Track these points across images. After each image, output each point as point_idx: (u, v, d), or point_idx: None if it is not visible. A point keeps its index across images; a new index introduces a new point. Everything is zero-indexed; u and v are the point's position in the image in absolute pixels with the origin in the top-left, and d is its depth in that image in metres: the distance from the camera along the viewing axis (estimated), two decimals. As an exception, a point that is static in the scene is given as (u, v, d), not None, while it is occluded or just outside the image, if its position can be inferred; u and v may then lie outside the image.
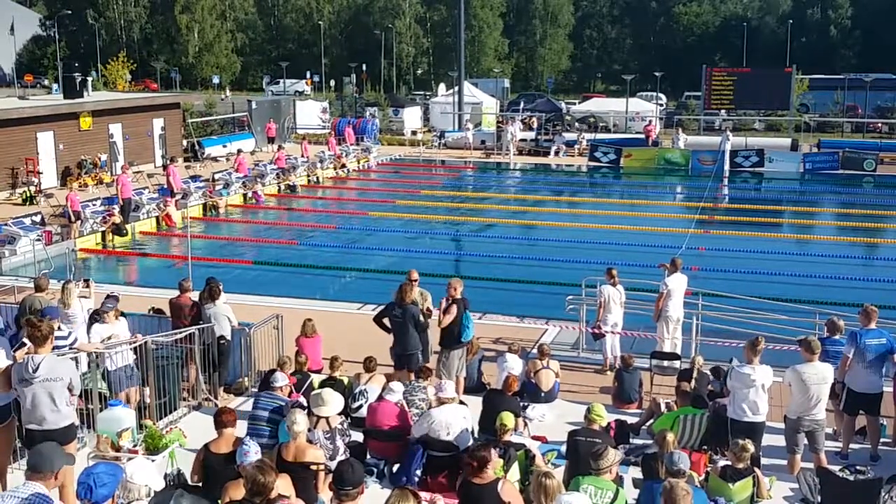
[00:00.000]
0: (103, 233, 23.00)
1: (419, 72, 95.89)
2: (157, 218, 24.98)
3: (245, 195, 29.12)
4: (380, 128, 47.05)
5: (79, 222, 22.69)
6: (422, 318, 11.43)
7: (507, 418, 8.36)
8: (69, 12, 76.57)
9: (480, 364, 12.10)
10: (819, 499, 8.12)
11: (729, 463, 7.94)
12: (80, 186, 27.84)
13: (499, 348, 13.45)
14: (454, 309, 11.35)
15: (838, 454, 10.00)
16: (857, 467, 8.77)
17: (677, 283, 13.28)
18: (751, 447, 7.88)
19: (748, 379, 9.14)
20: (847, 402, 10.10)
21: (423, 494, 8.02)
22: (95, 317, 10.98)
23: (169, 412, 10.65)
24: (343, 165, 36.00)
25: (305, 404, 8.85)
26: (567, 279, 16.85)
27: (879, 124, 49.92)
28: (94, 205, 24.35)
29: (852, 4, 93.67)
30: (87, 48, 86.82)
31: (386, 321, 11.45)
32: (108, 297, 11.36)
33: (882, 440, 10.25)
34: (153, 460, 7.97)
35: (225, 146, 38.54)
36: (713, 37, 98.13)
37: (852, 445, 10.21)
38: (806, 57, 77.39)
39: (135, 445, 8.70)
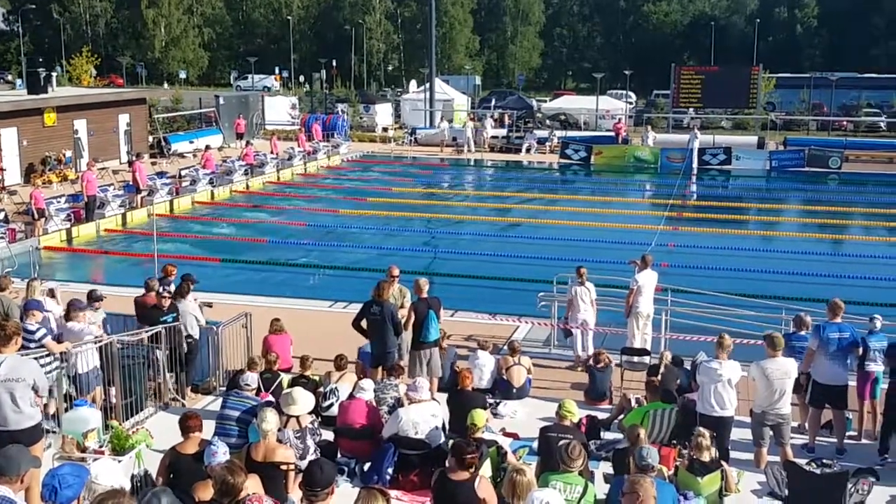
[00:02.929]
0: (68, 230, 22.72)
1: (390, 68, 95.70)
2: (123, 215, 24.72)
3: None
4: (350, 124, 46.87)
5: (43, 220, 22.38)
6: (399, 315, 11.36)
7: (478, 417, 8.35)
8: (33, 7, 75.48)
9: (454, 362, 12.06)
10: (786, 492, 8.19)
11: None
12: (44, 183, 27.47)
13: (471, 346, 13.43)
14: (415, 309, 11.31)
15: (805, 448, 10.10)
16: (824, 461, 8.88)
17: (647, 280, 13.35)
18: (708, 437, 7.93)
19: (715, 374, 9.23)
20: (813, 395, 10.22)
21: (393, 493, 8.02)
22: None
23: (135, 412, 10.51)
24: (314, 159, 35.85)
25: (275, 403, 8.77)
26: (538, 276, 16.90)
27: (844, 122, 50.57)
28: (58, 202, 24.02)
29: (818, 4, 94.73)
30: (52, 43, 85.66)
31: (363, 323, 11.36)
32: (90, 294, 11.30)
33: (848, 434, 10.37)
34: (119, 461, 7.87)
35: (192, 142, 38.17)
36: (682, 35, 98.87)
37: (819, 439, 10.31)
38: (773, 56, 78.16)
39: (101, 446, 8.57)
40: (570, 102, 57.00)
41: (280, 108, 49.07)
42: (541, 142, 42.02)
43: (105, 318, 11.48)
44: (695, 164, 36.47)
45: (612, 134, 42.66)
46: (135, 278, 15.95)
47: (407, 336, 11.57)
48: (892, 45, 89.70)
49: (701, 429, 8.12)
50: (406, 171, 37.15)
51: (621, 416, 10.26)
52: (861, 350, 10.23)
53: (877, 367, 10.37)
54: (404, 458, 8.49)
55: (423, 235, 25.54)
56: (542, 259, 20.11)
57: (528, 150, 41.29)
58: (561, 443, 7.24)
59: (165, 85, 78.71)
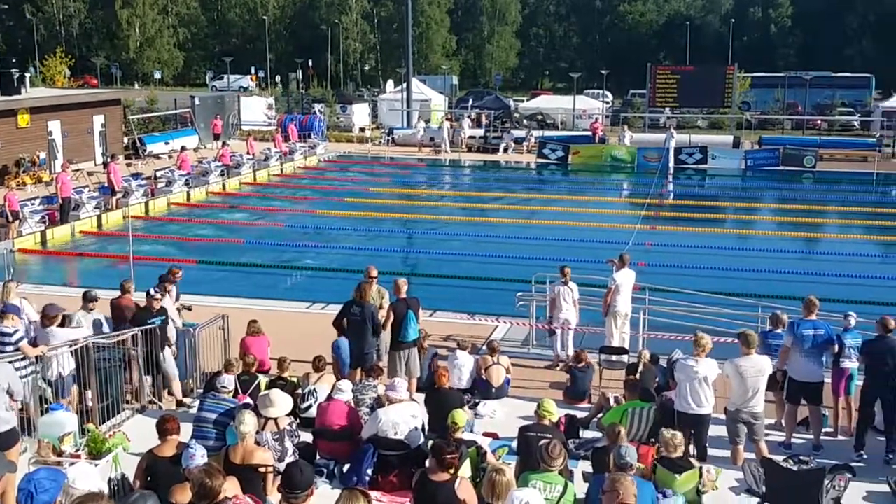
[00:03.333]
0: (43, 232, 22.49)
1: (367, 68, 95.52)
2: (99, 217, 24.51)
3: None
4: (327, 124, 46.74)
5: (17, 222, 22.14)
6: (379, 316, 11.34)
7: (459, 416, 8.35)
8: (6, 7, 74.78)
9: (432, 362, 12.04)
10: (763, 489, 8.24)
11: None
12: (18, 185, 27.22)
13: (450, 346, 13.42)
14: (394, 310, 11.30)
15: (782, 444, 10.18)
16: (801, 457, 8.94)
17: (625, 279, 13.40)
18: (679, 436, 7.97)
19: (692, 371, 9.30)
20: (789, 391, 10.32)
21: (373, 494, 8.00)
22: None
23: (112, 415, 10.41)
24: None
25: (253, 405, 8.72)
26: (517, 276, 16.91)
27: (819, 121, 51.02)
28: (32, 204, 23.78)
29: (792, 4, 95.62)
30: (25, 44, 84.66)
31: (344, 322, 11.32)
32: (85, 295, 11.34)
33: (824, 431, 10.46)
34: (96, 465, 7.81)
35: (167, 143, 37.93)
36: (657, 35, 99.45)
37: (795, 436, 10.40)
38: (748, 55, 78.81)
39: (77, 450, 8.50)
40: (547, 102, 57.14)
41: (256, 109, 48.85)
42: (518, 141, 42.12)
43: (98, 319, 11.35)
44: (671, 164, 36.70)
45: (589, 133, 42.83)
46: (110, 280, 15.79)
47: (386, 336, 11.56)
48: (865, 44, 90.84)
49: (669, 430, 8.15)
50: (384, 171, 37.10)
51: (600, 415, 10.29)
52: (836, 347, 10.34)
53: (851, 363, 10.48)
54: (384, 459, 8.46)
55: (401, 236, 25.52)
56: (521, 259, 20.13)
57: (505, 150, 41.37)
58: (541, 442, 7.25)
59: (136, 85, 78.11)
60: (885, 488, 8.86)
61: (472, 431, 9.83)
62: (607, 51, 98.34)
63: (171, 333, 11.46)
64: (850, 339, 10.44)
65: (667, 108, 45.99)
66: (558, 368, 13.17)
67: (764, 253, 22.08)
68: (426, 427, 9.25)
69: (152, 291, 11.34)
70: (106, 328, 11.29)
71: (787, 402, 10.41)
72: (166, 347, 11.24)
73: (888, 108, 46.75)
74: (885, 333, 9.94)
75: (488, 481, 6.27)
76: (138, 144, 36.87)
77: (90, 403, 10.33)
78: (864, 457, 9.82)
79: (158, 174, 29.48)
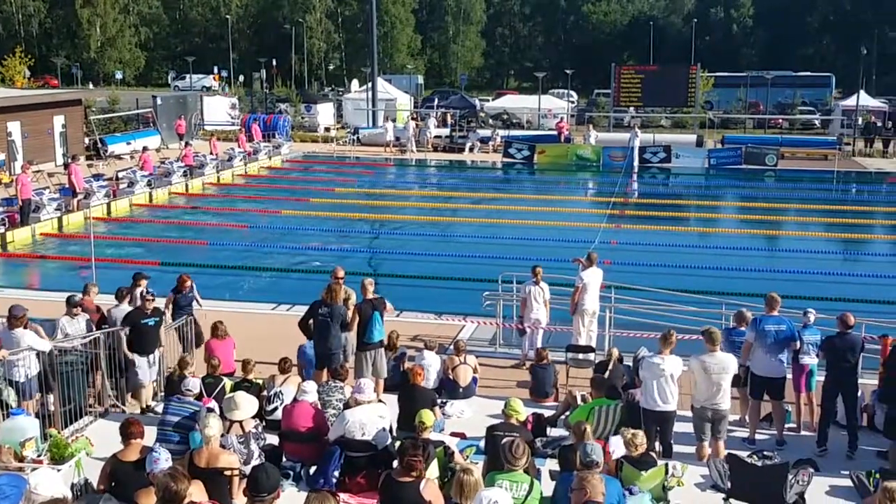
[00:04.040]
0: (3, 234, 22.13)
1: (331, 67, 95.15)
2: (60, 218, 24.16)
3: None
4: (292, 124, 46.49)
5: (-24, 224, 21.78)
6: (348, 317, 11.29)
7: (427, 416, 8.34)
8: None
9: (402, 361, 12.02)
10: (729, 484, 8.32)
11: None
12: (-24, 187, 26.74)
13: (417, 346, 13.41)
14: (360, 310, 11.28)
15: (746, 440, 10.29)
16: (765, 453, 9.05)
17: (592, 277, 13.47)
18: (640, 435, 8.04)
19: (657, 369, 9.38)
20: (752, 387, 10.45)
21: (341, 496, 7.96)
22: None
23: (75, 420, 10.27)
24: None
25: (218, 409, 8.65)
26: (483, 275, 16.92)
27: (780, 120, 51.71)
28: (-9, 205, 23.40)
29: (753, 4, 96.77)
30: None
31: (310, 323, 11.26)
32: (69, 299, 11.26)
33: (787, 426, 10.59)
34: (59, 470, 7.69)
35: (129, 144, 37.48)
36: (621, 35, 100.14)
37: (759, 432, 10.51)
38: (710, 55, 79.63)
39: (39, 455, 8.39)
40: (512, 102, 57.31)
41: (219, 109, 48.43)
42: (484, 141, 42.20)
43: (85, 324, 11.23)
44: (636, 163, 36.96)
45: (555, 133, 43.01)
46: (72, 283, 15.59)
47: (352, 337, 11.51)
48: (824, 44, 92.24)
49: (629, 429, 8.21)
50: (349, 171, 36.97)
51: (567, 413, 10.34)
52: (798, 343, 10.47)
53: (810, 359, 10.63)
54: (351, 461, 8.43)
55: (368, 236, 25.44)
56: (487, 258, 20.16)
57: (471, 150, 41.43)
58: (504, 441, 7.26)
59: (91, 85, 77.14)
60: (848, 482, 8.99)
61: (441, 431, 9.83)
62: (572, 50, 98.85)
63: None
64: (809, 335, 10.59)
65: (631, 108, 46.30)
66: (525, 367, 13.21)
67: (727, 251, 22.32)
68: (394, 428, 9.23)
69: (146, 292, 11.20)
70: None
71: (750, 398, 10.54)
72: (156, 350, 11.15)
73: (848, 106, 47.45)
74: (845, 330, 10.09)
75: (456, 481, 6.27)
76: (100, 145, 36.40)
77: (52, 408, 10.19)
78: (827, 451, 9.96)
79: (120, 175, 29.11)
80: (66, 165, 28.30)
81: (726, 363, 9.47)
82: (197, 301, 12.97)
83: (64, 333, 10.97)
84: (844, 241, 24.33)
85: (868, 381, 11.08)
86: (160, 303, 12.14)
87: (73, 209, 25.11)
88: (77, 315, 11.19)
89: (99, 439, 9.16)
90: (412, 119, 45.01)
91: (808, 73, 69.94)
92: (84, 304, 11.59)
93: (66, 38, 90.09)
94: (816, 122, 52.82)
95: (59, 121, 34.08)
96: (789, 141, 42.59)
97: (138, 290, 12.06)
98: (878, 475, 8.40)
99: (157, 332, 11.26)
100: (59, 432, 9.47)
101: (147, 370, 11.09)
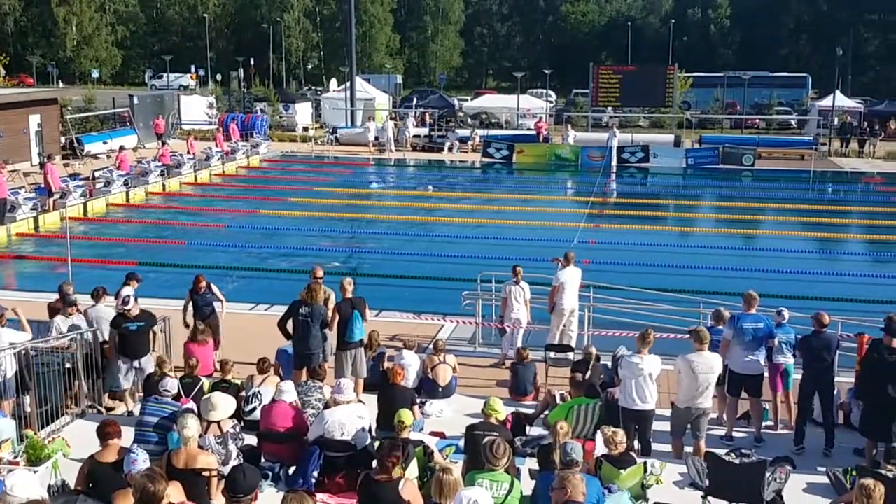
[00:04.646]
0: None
1: (310, 67, 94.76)
2: (35, 218, 23.93)
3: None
4: (270, 124, 46.30)
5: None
6: (328, 317, 11.25)
7: (406, 415, 8.34)
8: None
9: (382, 361, 12.00)
10: (707, 482, 8.37)
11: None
12: (-50, 186, 26.37)
13: (396, 345, 13.39)
14: (339, 310, 11.24)
15: (724, 438, 10.36)
16: (742, 450, 9.07)
17: (570, 277, 13.50)
18: (620, 434, 8.07)
19: (636, 368, 9.41)
20: (729, 384, 10.52)
21: (320, 496, 7.94)
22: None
23: (51, 421, 10.17)
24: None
25: (196, 409, 8.59)
26: (463, 275, 16.93)
27: (757, 120, 52.10)
28: (-34, 205, 23.10)
29: (731, 5, 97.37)
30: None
31: (289, 323, 11.21)
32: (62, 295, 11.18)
33: (765, 424, 10.67)
34: (35, 472, 7.63)
35: (106, 143, 37.19)
36: (600, 35, 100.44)
37: (737, 430, 10.59)
38: (688, 56, 80.00)
39: (15, 457, 8.29)
40: (491, 101, 57.39)
41: (197, 108, 48.18)
42: (463, 140, 42.23)
43: (75, 325, 11.09)
44: (614, 162, 37.13)
45: (534, 132, 43.11)
46: (48, 283, 15.44)
47: (332, 337, 11.49)
48: (801, 45, 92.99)
49: (609, 427, 8.25)
50: (328, 170, 36.87)
51: (546, 412, 10.36)
52: (775, 341, 10.55)
53: (785, 359, 10.73)
54: (330, 461, 8.40)
55: (347, 235, 25.37)
56: (466, 258, 20.17)
57: (450, 149, 41.44)
58: (485, 441, 7.27)
59: (63, 84, 76.48)
60: (825, 479, 9.07)
61: (420, 431, 9.82)
62: (550, 50, 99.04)
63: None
64: (783, 334, 10.68)
65: (609, 108, 46.48)
66: (504, 367, 13.22)
67: (705, 250, 22.47)
68: (373, 428, 9.21)
69: (130, 300, 10.99)
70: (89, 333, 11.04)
71: (728, 395, 10.61)
72: (148, 355, 10.97)
73: (824, 107, 47.88)
74: (820, 329, 10.18)
75: (436, 481, 6.27)
76: (76, 144, 36.10)
77: (28, 409, 10.10)
78: (804, 449, 10.04)
79: (97, 174, 28.87)
80: (41, 165, 28.04)
81: (713, 363, 9.51)
82: (219, 299, 12.83)
83: (59, 332, 10.85)
84: (821, 240, 24.55)
85: (844, 380, 11.19)
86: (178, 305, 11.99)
87: (49, 209, 24.88)
88: (72, 314, 11.05)
89: (76, 440, 9.07)
90: (391, 119, 44.95)
91: (785, 74, 70.47)
92: (59, 306, 11.48)
93: (41, 36, 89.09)
94: (793, 122, 53.25)
95: (34, 120, 33.78)
96: (766, 141, 42.95)
97: (124, 290, 11.90)
98: (854, 472, 8.47)
99: (143, 338, 10.97)
100: (35, 433, 9.37)
101: (126, 375, 10.92)
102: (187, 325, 12.45)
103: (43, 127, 34.19)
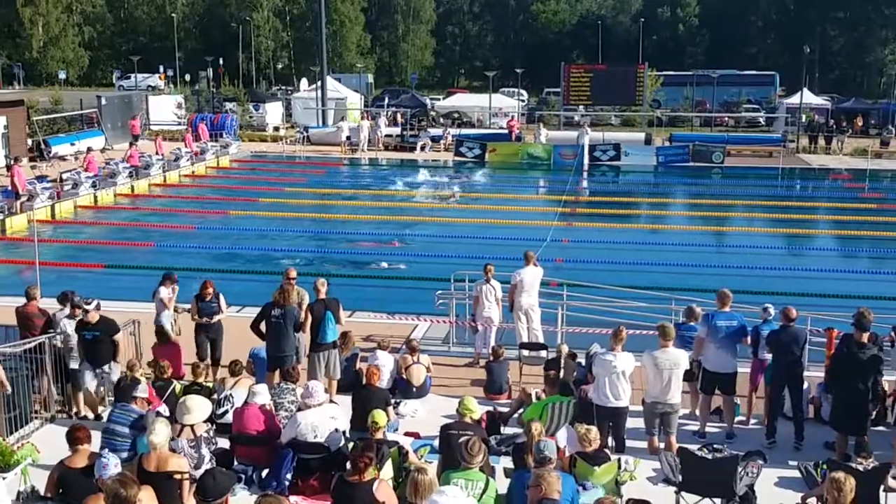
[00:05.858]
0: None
1: (280, 66, 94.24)
2: (2, 221, 23.61)
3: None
4: (240, 124, 46.01)
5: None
6: (301, 318, 11.18)
7: (379, 416, 8.31)
8: None
9: (355, 362, 11.95)
10: (680, 478, 8.41)
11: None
12: (-86, 189, 25.97)
13: (370, 345, 13.34)
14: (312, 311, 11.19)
15: (696, 434, 10.42)
16: (715, 446, 9.13)
17: (529, 276, 13.52)
18: (594, 431, 8.10)
19: (610, 365, 9.46)
20: (703, 382, 10.58)
21: (293, 498, 7.89)
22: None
23: (20, 426, 10.03)
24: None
25: (168, 413, 8.51)
26: (436, 274, 16.92)
27: (726, 118, 52.55)
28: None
29: (699, 4, 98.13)
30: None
31: (262, 325, 11.13)
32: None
33: (737, 419, 10.75)
34: (4, 478, 7.51)
35: (73, 144, 36.75)
36: (570, 34, 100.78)
37: (709, 425, 10.65)
38: (657, 54, 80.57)
39: (-18, 464, 8.15)
40: (463, 100, 57.44)
41: (165, 108, 47.81)
42: (435, 140, 42.23)
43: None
44: (586, 161, 37.25)
45: (506, 131, 43.17)
46: (15, 287, 15.23)
47: (305, 338, 11.42)
48: (769, 43, 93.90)
49: (583, 425, 8.28)
50: (299, 170, 36.69)
51: (521, 411, 10.37)
52: (752, 339, 10.59)
53: (769, 354, 10.77)
54: (303, 463, 8.36)
55: (318, 236, 25.25)
56: (439, 257, 20.16)
57: (422, 149, 41.41)
58: (461, 440, 7.26)
59: (27, 85, 75.58)
60: (796, 473, 9.16)
61: (395, 431, 9.80)
62: (522, 49, 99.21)
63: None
64: (768, 330, 10.71)
65: (581, 106, 46.67)
66: (479, 365, 13.23)
67: (676, 247, 22.61)
68: (347, 429, 9.17)
69: (85, 305, 10.68)
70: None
71: (701, 393, 10.67)
72: (111, 362, 10.68)
73: (792, 104, 48.40)
74: (787, 323, 10.27)
75: (411, 481, 6.25)
76: (43, 146, 35.62)
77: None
78: (776, 443, 10.13)
79: (64, 176, 28.52)
80: (8, 167, 27.64)
81: (678, 358, 9.58)
82: (220, 309, 12.47)
83: (65, 333, 10.72)
84: (789, 236, 24.80)
85: (814, 374, 11.29)
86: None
87: (17, 211, 24.55)
88: (77, 316, 10.84)
89: (46, 446, 8.95)
90: (365, 118, 44.81)
91: (753, 72, 71.12)
92: (28, 310, 11.32)
93: (7, 37, 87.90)
94: (761, 119, 53.77)
95: (0, 122, 33.30)
96: (735, 139, 43.34)
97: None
98: (825, 466, 8.55)
99: (103, 346, 10.61)
100: (3, 439, 9.23)
101: (91, 381, 10.72)
102: (194, 319, 12.37)
103: (9, 129, 33.69)
